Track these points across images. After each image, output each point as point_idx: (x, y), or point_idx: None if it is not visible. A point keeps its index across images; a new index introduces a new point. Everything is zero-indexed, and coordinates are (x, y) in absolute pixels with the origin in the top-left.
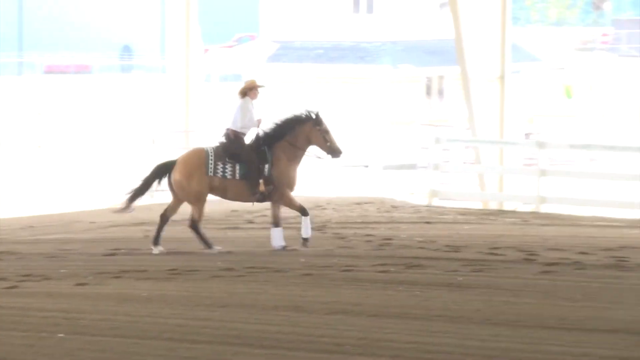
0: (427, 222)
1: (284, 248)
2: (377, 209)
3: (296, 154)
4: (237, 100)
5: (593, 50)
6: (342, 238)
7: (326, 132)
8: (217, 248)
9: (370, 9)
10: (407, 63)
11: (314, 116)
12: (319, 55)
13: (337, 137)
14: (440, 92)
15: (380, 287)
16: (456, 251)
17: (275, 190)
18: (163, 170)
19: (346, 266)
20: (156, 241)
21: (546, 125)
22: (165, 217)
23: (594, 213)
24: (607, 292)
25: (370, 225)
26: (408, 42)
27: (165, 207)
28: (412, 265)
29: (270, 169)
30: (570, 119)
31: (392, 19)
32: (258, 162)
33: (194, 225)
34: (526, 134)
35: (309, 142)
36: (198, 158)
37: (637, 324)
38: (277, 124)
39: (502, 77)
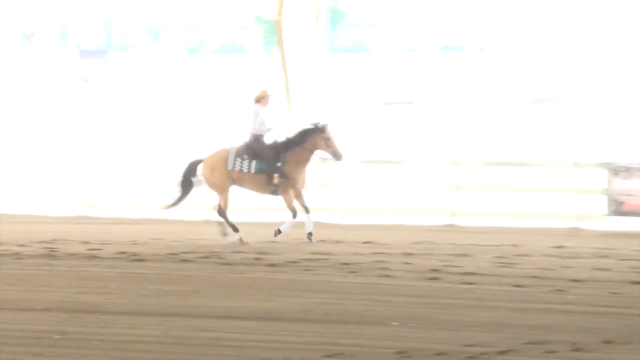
0: None
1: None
2: None
3: (305, 157)
4: (252, 107)
5: None
6: None
7: (328, 139)
8: (238, 235)
9: None
10: None
11: (320, 126)
12: None
13: (339, 143)
14: None
15: None
16: None
17: (287, 184)
18: (194, 166)
19: None
20: (234, 228)
21: None
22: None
23: (29, 212)
24: (40, 277)
25: None
26: None
27: None
28: None
29: (282, 166)
30: None
31: None
32: (274, 158)
33: (221, 211)
34: None
35: (316, 147)
36: (219, 156)
37: (66, 303)
38: (293, 134)
39: None
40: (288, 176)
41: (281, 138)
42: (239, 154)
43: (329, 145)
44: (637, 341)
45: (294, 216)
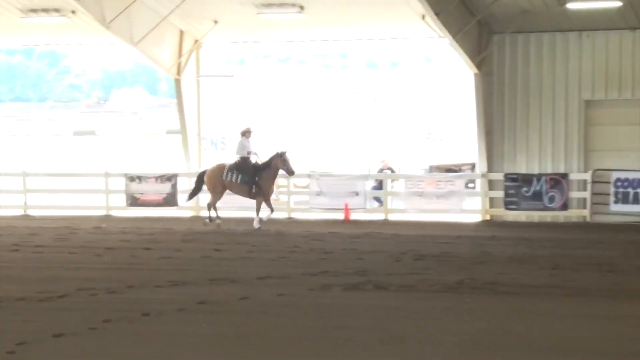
0: None
1: (259, 229)
2: None
3: (273, 173)
4: (238, 137)
5: None
6: None
7: (286, 161)
8: (217, 221)
9: None
10: None
11: (280, 153)
12: None
13: (295, 165)
14: None
15: None
16: None
17: (260, 192)
18: (203, 174)
19: None
20: (216, 217)
21: None
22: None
23: None
24: None
25: None
26: None
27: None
28: None
29: (259, 180)
30: None
31: None
32: (254, 175)
33: (209, 206)
34: None
35: (277, 167)
36: (218, 168)
37: None
38: (267, 158)
39: None
40: (262, 187)
41: (260, 160)
42: (231, 169)
43: (285, 166)
44: (150, 285)
45: (272, 211)
